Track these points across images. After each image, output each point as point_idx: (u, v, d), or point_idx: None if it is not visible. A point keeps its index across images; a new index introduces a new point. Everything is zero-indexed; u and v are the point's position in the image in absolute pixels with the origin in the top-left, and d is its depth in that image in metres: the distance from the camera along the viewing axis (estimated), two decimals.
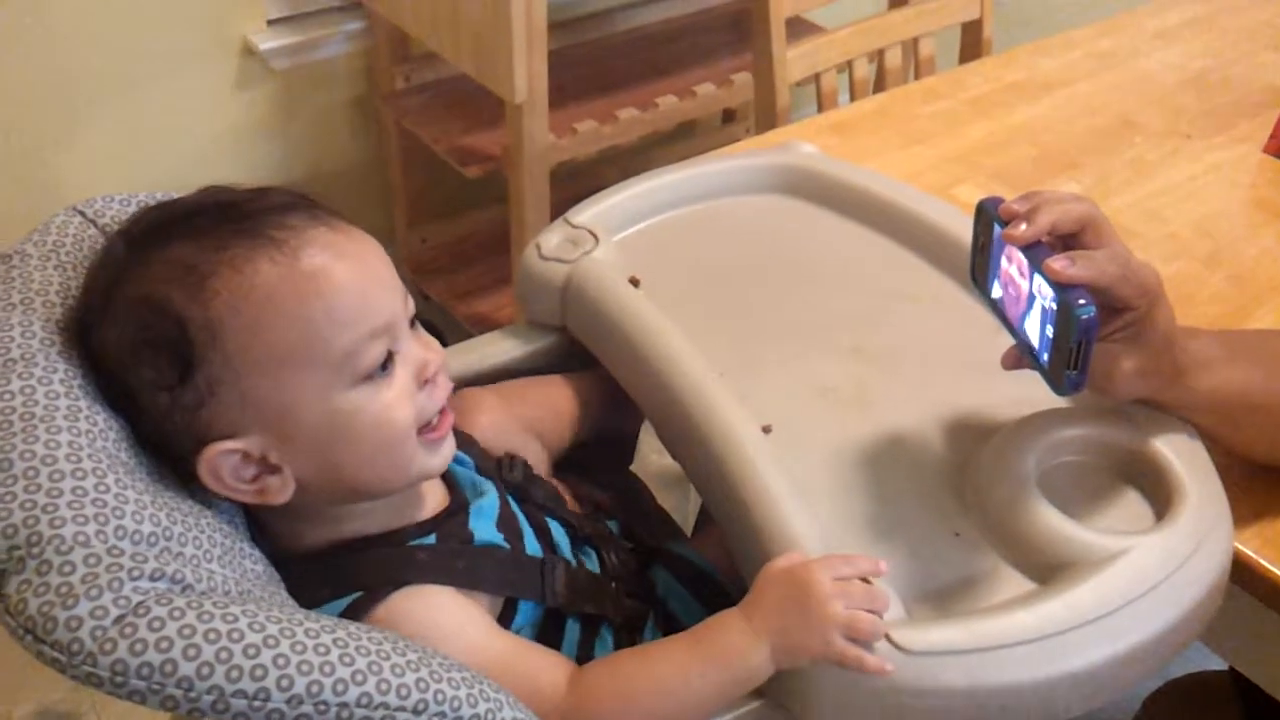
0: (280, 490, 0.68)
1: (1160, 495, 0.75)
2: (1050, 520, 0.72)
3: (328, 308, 0.66)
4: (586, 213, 0.98)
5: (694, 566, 0.88)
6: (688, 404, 0.81)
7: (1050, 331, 0.69)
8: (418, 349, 0.71)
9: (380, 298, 0.68)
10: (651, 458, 1.96)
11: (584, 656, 0.79)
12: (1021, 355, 0.74)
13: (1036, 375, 0.72)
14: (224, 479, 0.67)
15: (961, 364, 0.87)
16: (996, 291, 0.76)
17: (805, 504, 0.73)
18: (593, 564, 0.83)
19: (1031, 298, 0.71)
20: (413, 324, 0.72)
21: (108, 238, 0.74)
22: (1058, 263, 0.68)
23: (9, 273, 0.72)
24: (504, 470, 0.84)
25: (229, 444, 0.66)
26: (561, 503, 0.86)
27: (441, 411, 0.72)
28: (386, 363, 0.68)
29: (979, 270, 0.78)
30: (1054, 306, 0.68)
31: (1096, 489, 0.77)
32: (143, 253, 0.67)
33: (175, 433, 0.67)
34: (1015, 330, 0.74)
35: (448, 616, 0.71)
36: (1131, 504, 0.76)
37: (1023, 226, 0.71)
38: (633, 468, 1.09)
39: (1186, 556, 0.70)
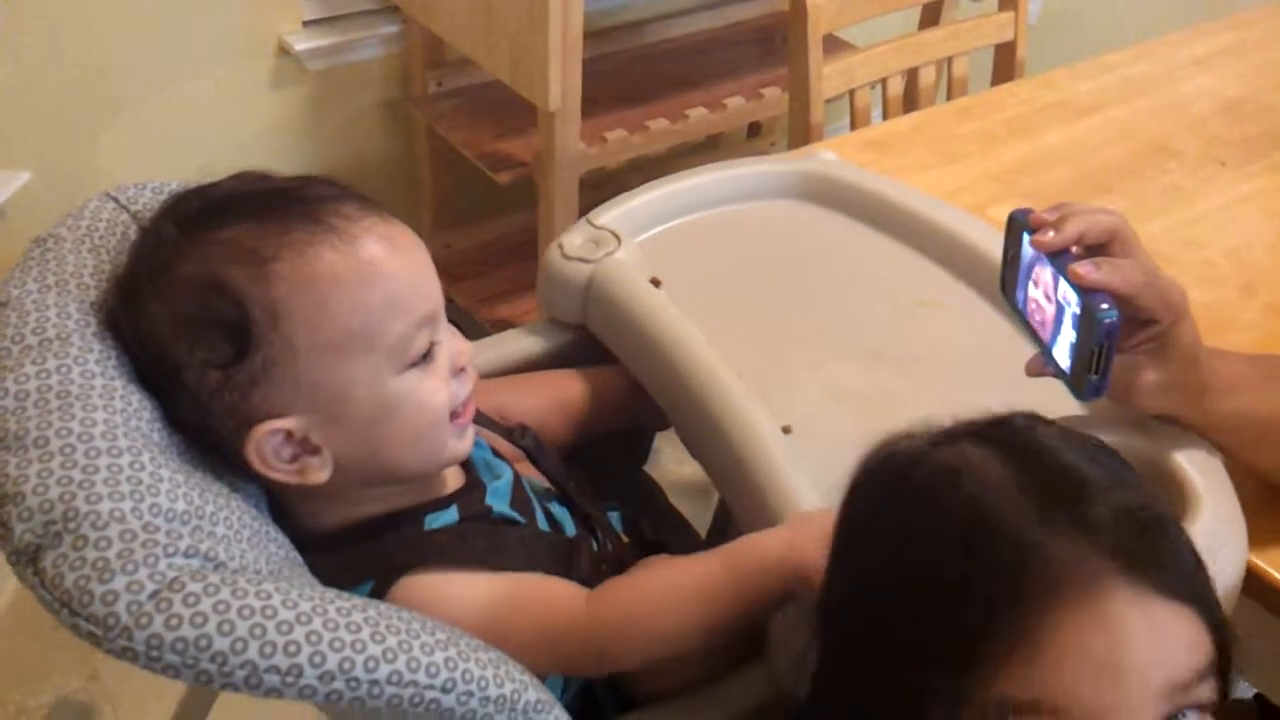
0: (319, 470, 0.69)
1: (1176, 505, 0.75)
2: None
3: (386, 295, 0.67)
4: (609, 214, 1.00)
5: None
6: (708, 402, 0.82)
7: (1074, 337, 0.70)
8: (453, 339, 0.73)
9: (428, 288, 0.71)
10: (670, 467, 1.96)
11: None
12: (1045, 363, 0.75)
13: (1057, 383, 0.73)
14: (267, 458, 0.68)
15: (980, 370, 0.88)
16: (1023, 300, 0.77)
17: (824, 503, 0.74)
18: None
19: (1057, 305, 0.72)
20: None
21: (148, 221, 0.74)
22: (1083, 267, 0.69)
23: (44, 255, 0.73)
24: (516, 437, 0.86)
25: (276, 424, 0.67)
26: (567, 478, 0.87)
27: (470, 396, 0.75)
28: (429, 350, 0.70)
29: (1008, 280, 0.79)
30: (1078, 311, 0.69)
31: None
32: (198, 233, 0.68)
33: (220, 412, 0.67)
34: (1040, 337, 0.75)
35: (452, 587, 0.72)
36: None
37: (1051, 234, 0.72)
38: (654, 476, 1.10)
39: None
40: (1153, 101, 1.39)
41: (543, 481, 0.87)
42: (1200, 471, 0.76)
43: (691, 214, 1.04)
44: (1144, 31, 1.80)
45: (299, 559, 0.70)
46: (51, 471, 0.59)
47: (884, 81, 1.56)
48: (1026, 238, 0.74)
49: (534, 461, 0.86)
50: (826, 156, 1.09)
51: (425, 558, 0.72)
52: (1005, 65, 1.68)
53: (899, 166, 1.24)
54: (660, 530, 0.97)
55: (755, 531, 0.76)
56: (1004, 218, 0.78)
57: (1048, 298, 0.73)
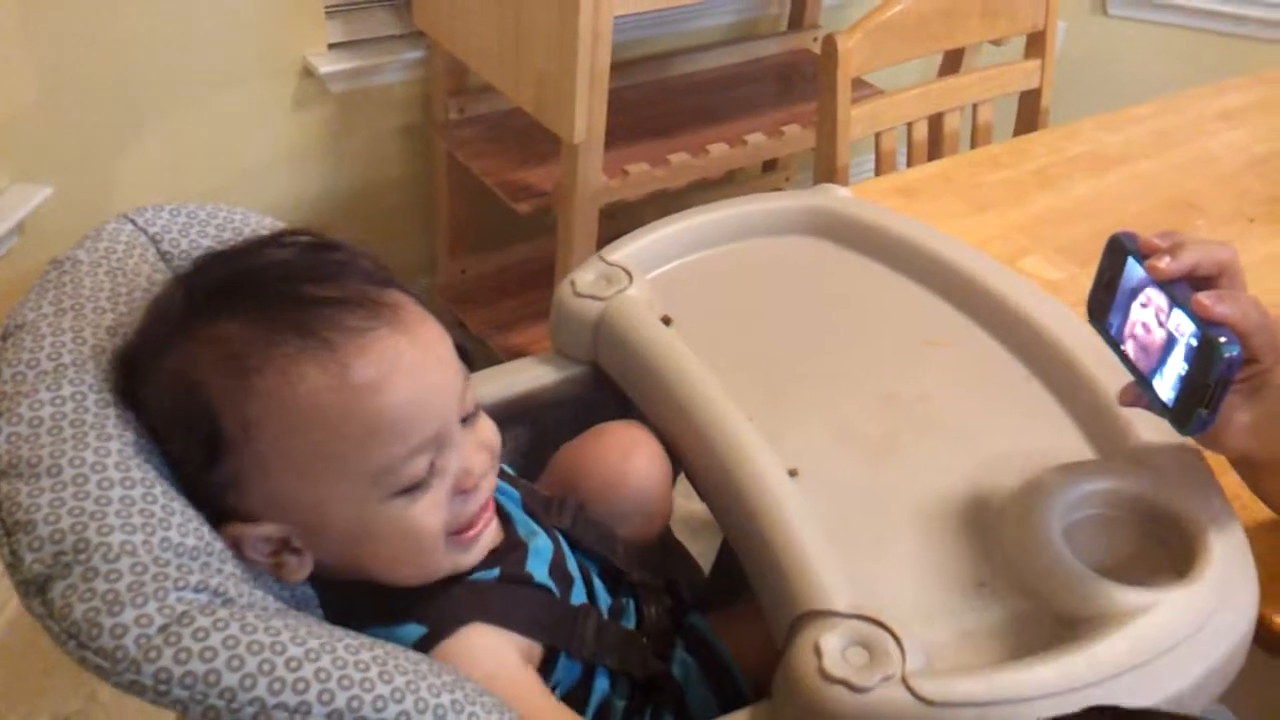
0: (298, 569, 0.67)
1: (1185, 553, 0.74)
2: (1074, 574, 0.71)
3: (371, 425, 0.64)
4: (621, 251, 0.99)
5: (717, 658, 0.85)
6: (716, 444, 0.81)
7: (1183, 369, 0.69)
8: (466, 452, 0.69)
9: (432, 410, 0.66)
10: (678, 501, 1.94)
11: (603, 712, 0.78)
12: (1140, 393, 0.73)
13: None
14: (244, 550, 0.66)
15: (990, 412, 0.87)
16: (1118, 326, 0.76)
17: (831, 548, 0.73)
18: (629, 615, 0.82)
19: (1166, 335, 0.70)
20: (469, 418, 0.70)
21: (173, 280, 0.73)
22: (1208, 298, 0.68)
23: (60, 279, 0.73)
24: (552, 513, 0.82)
25: (250, 528, 0.65)
26: (613, 546, 0.85)
27: (483, 507, 0.71)
28: (427, 475, 0.67)
29: (1099, 304, 0.77)
30: (1193, 343, 0.68)
31: (1122, 544, 0.76)
32: (195, 324, 0.66)
33: (198, 497, 0.65)
34: (1137, 367, 0.74)
35: (504, 662, 0.70)
36: (1156, 560, 0.76)
37: (1165, 261, 0.70)
38: None
39: (1210, 614, 0.69)
40: (1181, 155, 1.39)
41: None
42: (1210, 517, 0.75)
43: (703, 250, 1.04)
44: (1160, 79, 1.80)
45: (312, 595, 0.69)
46: (64, 501, 0.59)
47: (909, 125, 1.56)
48: (1131, 263, 0.72)
49: (572, 540, 0.82)
50: (840, 193, 1.09)
51: (466, 612, 0.70)
52: (1029, 112, 1.68)
53: (928, 213, 1.24)
54: (667, 566, 0.95)
55: (757, 575, 0.75)
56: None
57: (1156, 326, 0.71)
